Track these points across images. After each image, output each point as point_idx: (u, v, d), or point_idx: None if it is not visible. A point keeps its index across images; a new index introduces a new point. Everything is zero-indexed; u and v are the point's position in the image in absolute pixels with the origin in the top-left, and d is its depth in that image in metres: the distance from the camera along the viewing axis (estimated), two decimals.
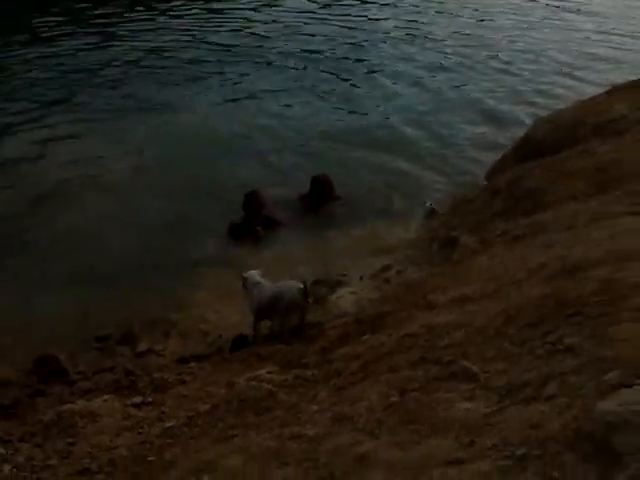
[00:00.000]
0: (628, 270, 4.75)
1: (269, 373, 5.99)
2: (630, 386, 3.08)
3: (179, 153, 13.18)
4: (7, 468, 5.45)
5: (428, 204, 11.07)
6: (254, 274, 7.88)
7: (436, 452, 3.30)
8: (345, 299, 7.80)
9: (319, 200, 11.39)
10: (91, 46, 18.92)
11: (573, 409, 3.16)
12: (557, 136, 10.71)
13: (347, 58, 18.71)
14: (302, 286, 7.36)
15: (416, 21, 22.14)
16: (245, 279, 7.86)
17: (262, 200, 10.89)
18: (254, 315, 7.81)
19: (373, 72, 17.86)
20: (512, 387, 3.71)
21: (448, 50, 19.42)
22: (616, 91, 11.40)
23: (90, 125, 14.38)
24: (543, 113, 12.91)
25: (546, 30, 21.60)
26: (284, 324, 7.59)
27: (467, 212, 9.98)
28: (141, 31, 20.40)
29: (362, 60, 18.65)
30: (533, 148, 10.96)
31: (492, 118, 15.17)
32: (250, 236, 10.40)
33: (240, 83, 16.97)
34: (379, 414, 4.03)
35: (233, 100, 15.97)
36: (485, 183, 11.36)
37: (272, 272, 8.83)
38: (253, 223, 10.53)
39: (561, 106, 12.96)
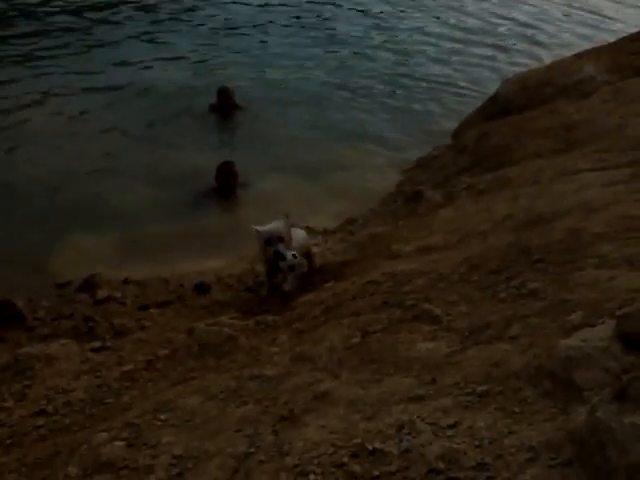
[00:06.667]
0: (592, 221, 4.78)
1: (230, 319, 5.93)
2: (593, 326, 3.09)
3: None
4: None
5: None
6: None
7: (397, 389, 3.29)
8: None
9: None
10: None
11: (535, 348, 3.17)
12: (524, 96, 10.68)
13: None
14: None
15: None
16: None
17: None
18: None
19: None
20: (475, 328, 3.71)
21: None
22: (585, 54, 11.40)
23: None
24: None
25: None
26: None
27: (433, 168, 9.95)
28: None
29: None
30: (500, 107, 10.91)
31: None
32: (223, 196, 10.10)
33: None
34: (340, 354, 4.01)
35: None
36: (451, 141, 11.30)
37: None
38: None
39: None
